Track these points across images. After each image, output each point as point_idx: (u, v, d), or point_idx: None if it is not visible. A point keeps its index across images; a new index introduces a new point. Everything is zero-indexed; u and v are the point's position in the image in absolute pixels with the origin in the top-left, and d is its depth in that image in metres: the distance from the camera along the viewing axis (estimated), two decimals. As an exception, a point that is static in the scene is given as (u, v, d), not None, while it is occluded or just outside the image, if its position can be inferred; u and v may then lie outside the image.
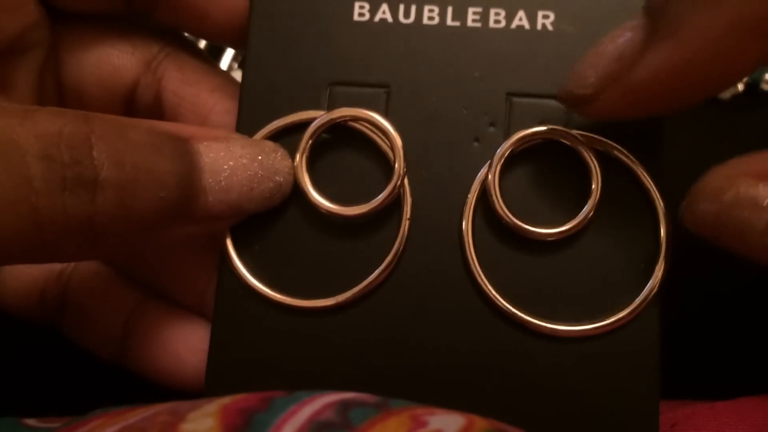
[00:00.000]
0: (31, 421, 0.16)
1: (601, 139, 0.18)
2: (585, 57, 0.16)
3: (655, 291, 0.17)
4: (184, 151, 0.16)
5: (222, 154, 0.17)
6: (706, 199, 0.15)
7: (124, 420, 0.14)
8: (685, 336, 0.24)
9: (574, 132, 0.18)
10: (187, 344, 0.19)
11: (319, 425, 0.13)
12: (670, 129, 0.19)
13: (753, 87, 0.25)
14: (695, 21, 0.14)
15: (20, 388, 0.22)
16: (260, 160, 0.17)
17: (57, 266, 0.20)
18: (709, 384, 0.20)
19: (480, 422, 0.14)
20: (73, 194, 0.14)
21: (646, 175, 0.18)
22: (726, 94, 0.25)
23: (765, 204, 0.14)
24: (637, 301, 0.17)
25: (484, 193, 0.18)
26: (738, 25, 0.14)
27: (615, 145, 0.18)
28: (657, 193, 0.18)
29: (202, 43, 0.26)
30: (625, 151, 0.18)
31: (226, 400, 0.14)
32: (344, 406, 0.14)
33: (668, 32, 0.14)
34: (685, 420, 0.18)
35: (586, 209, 0.17)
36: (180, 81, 0.19)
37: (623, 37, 0.15)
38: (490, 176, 0.18)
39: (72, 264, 0.20)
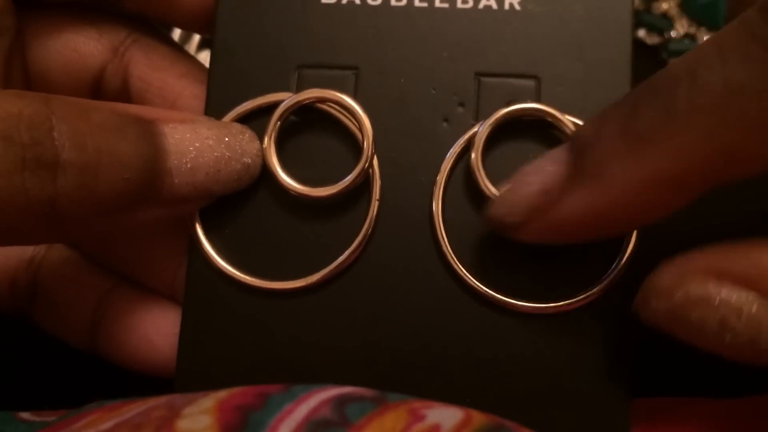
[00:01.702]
0: (25, 415, 0.16)
1: (573, 119, 0.18)
2: (512, 184, 0.16)
3: (624, 267, 0.17)
4: (148, 132, 0.16)
5: (188, 135, 0.16)
6: (658, 297, 0.15)
7: (119, 415, 0.14)
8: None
9: (554, 110, 0.18)
10: (158, 328, 0.19)
11: (316, 424, 0.13)
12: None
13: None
14: (617, 171, 0.14)
15: (9, 383, 0.22)
16: (227, 141, 0.17)
17: (27, 253, 0.20)
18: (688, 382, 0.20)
19: (478, 417, 0.14)
20: (34, 175, 0.14)
21: None
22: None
23: (716, 303, 0.14)
24: (608, 278, 0.17)
25: (454, 173, 0.18)
26: (657, 180, 0.14)
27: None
28: None
29: (177, 32, 0.26)
30: None
31: (222, 394, 0.14)
32: (341, 402, 0.14)
33: (591, 176, 0.15)
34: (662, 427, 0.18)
35: None
36: (147, 67, 0.19)
37: (548, 170, 0.16)
38: (473, 155, 0.18)
39: (42, 251, 0.20)
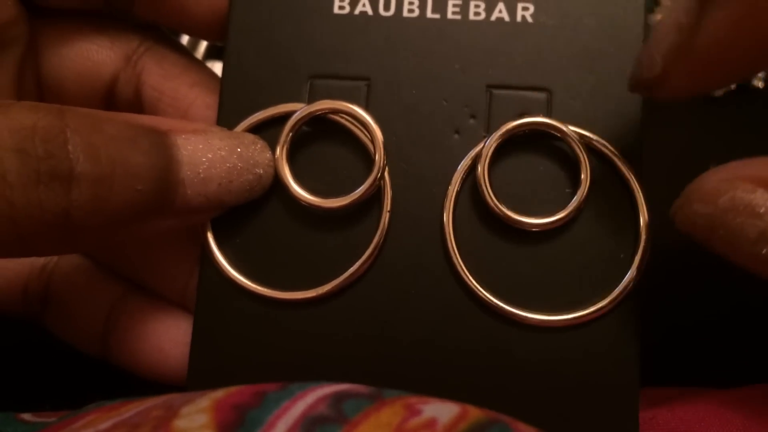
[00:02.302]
0: (26, 416, 0.16)
1: (582, 132, 0.18)
2: (645, 44, 0.16)
3: (634, 281, 0.17)
4: (161, 143, 0.16)
5: (200, 146, 0.17)
6: (701, 200, 0.14)
7: (118, 415, 0.14)
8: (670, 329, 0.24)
9: (560, 123, 0.18)
10: (169, 337, 0.19)
11: (313, 420, 0.13)
12: (664, 125, 0.18)
13: (745, 84, 0.26)
14: None
15: (11, 384, 0.22)
16: (239, 152, 0.17)
17: (40, 261, 0.20)
18: (692, 377, 0.20)
19: (474, 411, 0.14)
20: (48, 188, 0.14)
21: (626, 166, 0.18)
22: (718, 91, 0.26)
23: (761, 211, 0.14)
24: (617, 291, 0.17)
25: (465, 185, 0.18)
26: None
27: (595, 137, 0.18)
28: (637, 184, 0.18)
29: (185, 39, 0.26)
30: (605, 143, 0.18)
31: (219, 393, 0.14)
32: (337, 399, 0.14)
33: None
34: (665, 412, 0.18)
35: (577, 199, 0.17)
36: (160, 75, 0.19)
37: (679, 8, 0.15)
38: (479, 167, 0.18)
39: (55, 258, 0.20)
